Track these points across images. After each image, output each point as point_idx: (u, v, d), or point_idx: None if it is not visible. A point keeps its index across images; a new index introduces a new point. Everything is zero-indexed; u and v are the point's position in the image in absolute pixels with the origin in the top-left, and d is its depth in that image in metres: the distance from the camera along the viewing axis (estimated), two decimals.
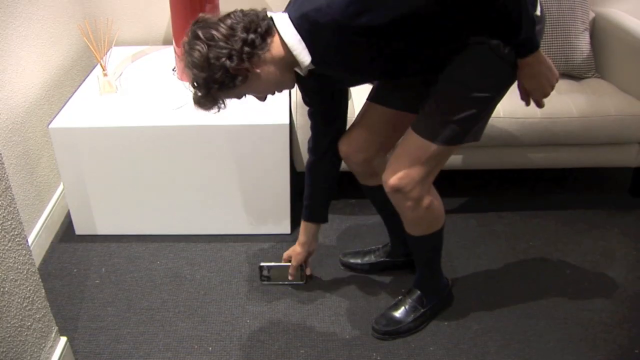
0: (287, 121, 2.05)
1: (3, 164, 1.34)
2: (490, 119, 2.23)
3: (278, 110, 2.11)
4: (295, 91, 2.15)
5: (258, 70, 1.42)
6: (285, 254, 2.00)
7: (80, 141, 2.07)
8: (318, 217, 1.92)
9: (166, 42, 2.78)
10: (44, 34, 2.25)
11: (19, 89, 2.06)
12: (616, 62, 2.54)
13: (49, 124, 2.06)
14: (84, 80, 2.42)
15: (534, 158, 2.38)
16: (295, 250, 1.97)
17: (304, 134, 2.23)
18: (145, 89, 2.29)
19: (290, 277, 2.01)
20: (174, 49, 2.30)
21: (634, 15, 2.82)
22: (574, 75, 2.56)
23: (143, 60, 2.55)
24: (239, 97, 1.51)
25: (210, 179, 2.14)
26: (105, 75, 2.27)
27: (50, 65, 2.30)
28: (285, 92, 2.24)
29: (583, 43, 2.51)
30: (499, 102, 1.60)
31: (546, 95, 1.52)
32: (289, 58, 1.43)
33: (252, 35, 1.38)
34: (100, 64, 2.26)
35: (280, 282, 2.04)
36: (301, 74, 1.50)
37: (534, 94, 1.53)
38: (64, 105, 2.19)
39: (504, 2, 1.33)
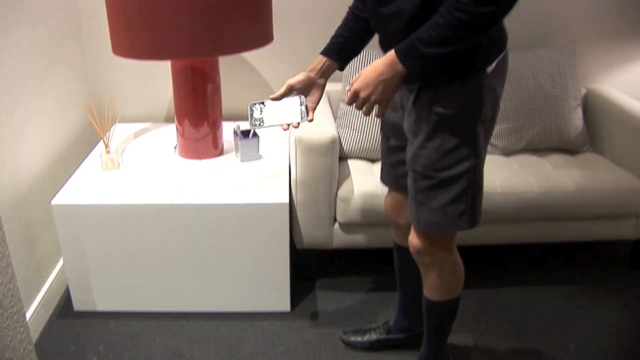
0: (287, 200, 2.07)
1: (5, 240, 1.35)
2: (488, 194, 2.27)
3: (278, 189, 2.14)
4: (295, 169, 2.18)
5: None
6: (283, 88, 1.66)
7: (82, 217, 2.08)
8: (333, 53, 1.67)
9: (168, 120, 2.84)
10: (51, 112, 2.31)
11: (23, 165, 2.09)
12: (609, 137, 2.59)
13: (52, 200, 2.08)
14: (87, 156, 2.46)
15: (532, 233, 2.40)
16: (296, 77, 1.67)
17: (303, 211, 2.25)
18: (147, 166, 2.33)
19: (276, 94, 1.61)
20: (176, 126, 2.35)
21: (624, 91, 2.91)
22: (569, 149, 2.60)
23: (145, 137, 2.60)
24: None
25: (210, 256, 2.15)
26: (108, 152, 2.30)
27: (54, 141, 2.35)
28: (285, 170, 2.28)
29: (576, 118, 2.57)
30: (482, 164, 1.56)
31: (358, 101, 1.43)
32: None
33: None
34: (104, 141, 2.30)
35: (276, 124, 1.61)
36: None
37: (355, 91, 1.43)
38: (66, 182, 2.22)
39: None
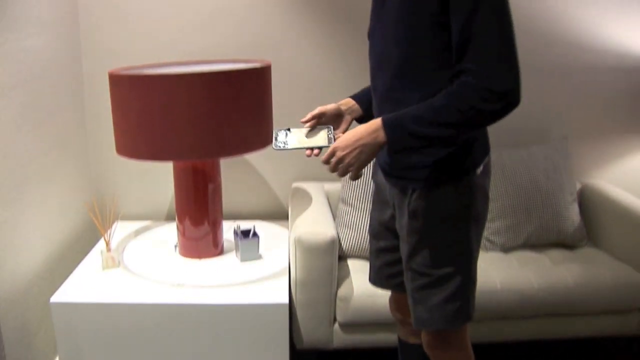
0: (287, 300, 2.06)
1: (1, 338, 1.34)
2: (488, 292, 2.26)
3: (277, 289, 2.14)
4: (295, 269, 2.19)
5: None
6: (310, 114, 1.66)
7: (80, 316, 2.07)
8: (358, 98, 1.72)
9: (169, 218, 2.87)
10: (53, 210, 2.34)
11: (23, 261, 2.10)
12: (607, 231, 2.61)
13: (50, 298, 2.07)
14: (87, 254, 2.47)
15: (534, 329, 2.37)
16: (328, 105, 1.69)
17: (303, 311, 2.24)
18: (147, 264, 2.33)
19: (306, 125, 1.61)
20: (177, 225, 2.37)
21: (618, 185, 2.95)
22: (567, 245, 2.61)
23: (146, 236, 2.62)
24: None
25: (209, 356, 2.12)
26: (108, 250, 2.31)
27: (55, 238, 2.36)
28: (285, 270, 2.28)
29: (573, 214, 2.59)
30: (476, 259, 1.59)
31: (333, 160, 1.44)
32: None
33: None
34: (105, 239, 2.32)
35: (300, 147, 1.58)
36: None
37: (333, 151, 1.45)
38: (65, 280, 2.22)
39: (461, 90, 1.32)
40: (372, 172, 1.83)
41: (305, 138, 1.59)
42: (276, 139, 1.59)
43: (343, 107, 1.70)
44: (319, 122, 1.63)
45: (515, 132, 2.83)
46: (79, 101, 2.62)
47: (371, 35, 1.60)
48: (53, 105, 2.34)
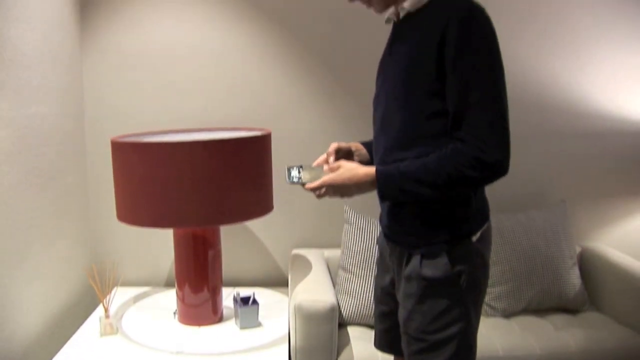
0: None
1: None
2: (489, 358, 2.23)
3: (277, 357, 2.11)
4: (295, 336, 2.17)
5: None
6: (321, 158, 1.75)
7: None
8: (367, 146, 1.82)
9: (168, 284, 2.86)
10: (52, 274, 2.34)
11: (21, 326, 2.08)
12: (609, 295, 2.59)
13: None
14: (85, 320, 2.45)
15: None
16: (342, 143, 1.78)
17: None
18: (146, 332, 2.31)
19: (325, 168, 1.62)
20: (176, 291, 2.36)
21: (617, 248, 2.96)
22: (569, 309, 2.59)
23: (145, 302, 2.61)
24: None
25: None
26: (107, 317, 2.30)
27: (54, 304, 2.35)
28: (284, 338, 2.26)
29: (574, 277, 2.59)
30: (474, 326, 1.57)
31: (319, 194, 1.56)
32: None
33: None
34: (103, 305, 2.31)
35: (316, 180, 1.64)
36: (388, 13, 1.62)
37: (324, 184, 1.54)
38: (63, 346, 2.19)
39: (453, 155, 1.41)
40: (377, 237, 1.85)
41: (318, 173, 1.63)
42: (289, 174, 1.65)
43: (353, 148, 1.79)
44: (336, 158, 1.72)
45: (513, 197, 2.85)
46: (81, 167, 2.66)
47: (375, 101, 1.68)
48: (56, 170, 2.37)
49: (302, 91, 2.75)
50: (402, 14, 1.58)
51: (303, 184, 1.60)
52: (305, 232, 2.83)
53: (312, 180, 1.61)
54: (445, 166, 1.41)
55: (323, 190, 1.56)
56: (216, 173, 2.03)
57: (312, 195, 2.78)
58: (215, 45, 2.71)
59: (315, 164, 1.72)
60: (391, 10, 1.62)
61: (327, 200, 2.76)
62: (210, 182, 2.03)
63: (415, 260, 1.54)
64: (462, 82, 1.40)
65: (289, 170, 1.67)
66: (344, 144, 1.76)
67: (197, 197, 2.03)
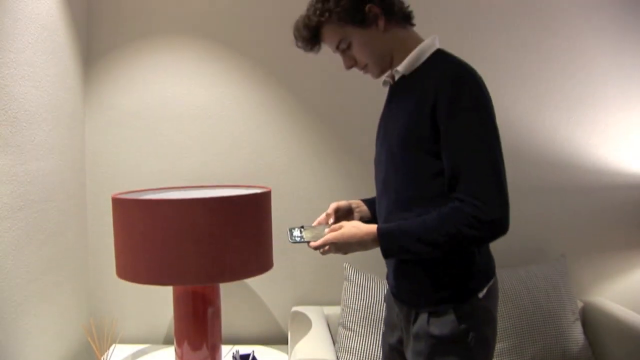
0: None
1: None
2: None
3: None
4: None
5: (381, 25, 1.59)
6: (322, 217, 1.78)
7: None
8: (367, 203, 1.84)
9: (167, 341, 2.82)
10: (49, 331, 2.31)
11: None
12: (612, 350, 2.56)
13: None
14: None
15: None
16: (341, 201, 1.81)
17: None
18: None
19: (327, 230, 1.62)
20: (175, 349, 2.33)
21: (619, 302, 2.93)
22: None
23: None
24: (337, 44, 1.64)
25: None
26: None
27: None
28: None
29: (576, 333, 2.56)
30: None
31: (326, 250, 1.58)
32: (401, 50, 1.62)
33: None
34: None
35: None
36: (385, 76, 1.69)
37: (327, 242, 1.57)
38: None
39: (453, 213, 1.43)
40: (385, 295, 1.86)
41: (319, 232, 1.66)
42: (291, 234, 1.68)
43: (353, 205, 1.81)
44: (335, 217, 1.75)
45: (513, 252, 2.85)
46: (81, 223, 2.66)
47: (376, 162, 1.72)
48: (56, 226, 2.37)
49: (302, 148, 2.78)
50: (396, 77, 1.65)
51: (307, 242, 1.63)
52: (305, 289, 2.82)
53: (315, 238, 1.63)
54: (445, 225, 1.43)
55: (327, 247, 1.58)
56: (216, 231, 2.04)
57: (311, 252, 2.78)
58: (215, 102, 2.76)
59: (315, 223, 1.75)
60: (387, 73, 1.69)
61: (326, 257, 2.76)
62: (210, 239, 2.03)
63: (423, 318, 1.55)
64: (456, 142, 1.44)
65: (290, 231, 1.70)
66: (343, 203, 1.78)
67: (196, 254, 2.02)
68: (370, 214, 1.82)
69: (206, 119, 2.76)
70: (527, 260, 2.85)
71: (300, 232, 1.69)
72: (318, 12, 1.60)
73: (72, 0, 2.54)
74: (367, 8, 1.58)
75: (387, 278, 1.75)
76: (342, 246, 1.57)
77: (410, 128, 1.52)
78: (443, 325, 1.52)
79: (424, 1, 2.77)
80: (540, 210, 2.87)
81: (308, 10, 1.65)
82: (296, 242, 1.66)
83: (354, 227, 1.56)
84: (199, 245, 2.02)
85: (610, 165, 2.88)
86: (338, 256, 2.74)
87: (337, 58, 2.73)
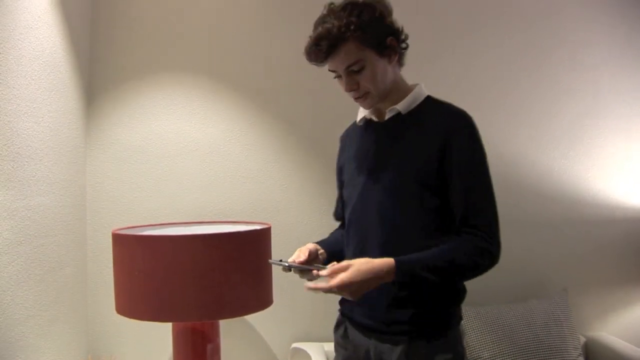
0: None
1: None
2: None
3: None
4: None
5: (393, 59, 1.67)
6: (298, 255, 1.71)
7: None
8: (324, 245, 1.84)
9: None
10: None
11: None
12: None
13: None
14: None
15: None
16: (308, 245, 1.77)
17: None
18: None
19: (325, 272, 1.57)
20: None
21: (621, 337, 2.91)
22: None
23: None
24: (351, 64, 1.63)
25: None
26: None
27: None
28: None
29: None
30: None
31: (331, 289, 1.52)
32: (395, 88, 1.72)
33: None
34: None
35: (302, 267, 1.66)
36: (367, 112, 1.78)
37: (342, 285, 1.50)
38: None
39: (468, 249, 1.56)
40: (340, 337, 1.84)
41: (309, 274, 1.63)
42: (274, 262, 1.68)
43: (312, 248, 1.76)
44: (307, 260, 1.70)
45: (513, 287, 2.84)
46: (81, 258, 2.65)
47: (359, 193, 1.75)
48: (56, 262, 2.37)
49: (301, 185, 2.80)
50: (389, 115, 1.71)
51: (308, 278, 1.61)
52: (305, 325, 2.79)
53: (307, 278, 1.62)
54: (461, 256, 1.56)
55: (334, 291, 1.53)
56: (216, 267, 2.03)
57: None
58: (216, 139, 2.78)
59: (296, 260, 1.68)
60: (371, 109, 1.75)
61: (323, 296, 2.74)
62: (209, 276, 2.03)
63: (419, 345, 1.61)
64: (470, 184, 1.60)
65: (271, 262, 1.70)
66: (312, 248, 1.75)
67: (196, 291, 2.02)
68: (327, 256, 1.81)
69: (206, 155, 2.77)
70: (527, 295, 2.84)
71: (281, 261, 1.67)
72: (350, 26, 1.59)
73: (75, 37, 2.57)
74: (388, 39, 1.64)
75: (358, 316, 1.73)
76: (360, 286, 1.51)
77: (418, 164, 1.63)
78: (445, 348, 1.62)
79: (413, 46, 2.81)
80: (540, 244, 2.87)
81: (334, 19, 1.60)
82: (279, 263, 1.66)
83: (367, 263, 1.53)
84: (199, 282, 2.01)
85: (610, 198, 2.89)
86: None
87: (340, 98, 2.76)
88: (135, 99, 2.77)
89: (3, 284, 1.97)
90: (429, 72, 2.78)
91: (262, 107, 2.80)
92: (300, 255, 1.69)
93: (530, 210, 2.86)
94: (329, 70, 1.71)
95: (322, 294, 1.63)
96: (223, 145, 2.78)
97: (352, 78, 1.67)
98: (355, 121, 1.85)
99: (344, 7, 1.62)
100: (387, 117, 1.72)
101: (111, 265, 2.72)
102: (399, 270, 1.53)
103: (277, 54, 2.81)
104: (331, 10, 1.64)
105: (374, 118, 1.76)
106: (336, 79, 1.73)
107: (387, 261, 1.54)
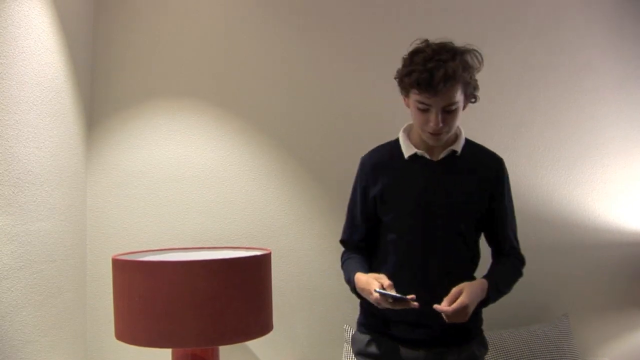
0: None
1: None
2: None
3: None
4: None
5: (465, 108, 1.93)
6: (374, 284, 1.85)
7: None
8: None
9: None
10: None
11: None
12: None
13: None
14: None
15: None
16: (375, 277, 1.89)
17: None
18: None
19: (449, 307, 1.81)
20: None
21: None
22: None
23: None
24: (453, 102, 1.82)
25: None
26: None
27: None
28: None
29: None
30: None
31: (450, 313, 1.78)
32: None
33: None
34: None
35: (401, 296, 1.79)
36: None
37: (456, 308, 1.77)
38: None
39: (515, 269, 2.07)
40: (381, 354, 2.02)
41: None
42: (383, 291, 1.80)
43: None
44: None
45: (514, 312, 2.81)
46: (81, 283, 2.65)
47: (419, 227, 1.96)
48: (55, 287, 2.36)
49: (302, 210, 2.80)
50: (444, 154, 1.96)
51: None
52: (305, 351, 2.77)
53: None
54: (517, 271, 2.07)
55: (462, 310, 1.80)
56: (216, 293, 2.03)
57: (311, 313, 2.76)
58: (216, 165, 2.79)
59: (387, 289, 1.82)
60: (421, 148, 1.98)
61: (326, 319, 2.75)
62: (210, 302, 2.02)
63: (469, 348, 1.99)
64: (511, 221, 2.07)
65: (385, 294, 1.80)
66: (377, 275, 1.89)
67: (196, 317, 2.01)
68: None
69: (207, 181, 2.78)
70: (528, 320, 2.81)
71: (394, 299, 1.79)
72: (463, 70, 1.79)
73: (77, 63, 2.59)
74: (475, 92, 1.91)
75: (403, 333, 1.98)
76: (472, 306, 1.83)
77: (473, 203, 1.96)
78: (483, 343, 2.08)
79: None
80: (541, 269, 2.85)
81: (450, 59, 1.77)
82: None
83: (472, 285, 1.85)
84: (199, 308, 2.01)
85: (610, 222, 2.88)
86: (337, 318, 2.72)
87: (341, 123, 2.78)
88: (136, 124, 2.78)
89: (2, 309, 1.96)
90: None
91: (262, 132, 2.81)
92: (386, 283, 1.83)
93: (531, 235, 2.84)
94: (421, 102, 1.82)
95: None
96: (223, 171, 2.79)
97: (444, 116, 1.83)
98: (385, 151, 2.06)
99: (455, 50, 1.81)
100: (442, 155, 1.97)
101: (111, 290, 2.71)
102: (492, 288, 1.90)
103: (277, 79, 2.83)
104: (444, 48, 1.80)
105: (427, 155, 1.97)
106: (420, 110, 1.85)
107: (482, 282, 1.90)
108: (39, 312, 2.22)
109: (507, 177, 2.05)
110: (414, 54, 1.83)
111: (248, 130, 2.81)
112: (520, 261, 2.08)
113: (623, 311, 2.89)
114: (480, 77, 2.58)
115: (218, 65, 2.83)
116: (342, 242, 2.17)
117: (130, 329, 2.08)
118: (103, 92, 2.79)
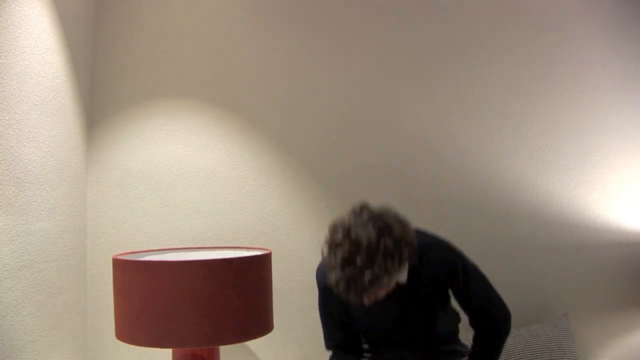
0: None
1: None
2: None
3: None
4: None
5: None
6: None
7: None
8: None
9: None
10: None
11: None
12: None
13: None
14: None
15: None
16: None
17: None
18: None
19: None
20: None
21: None
22: None
23: None
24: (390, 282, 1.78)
25: None
26: None
27: None
28: None
29: None
30: None
31: None
32: None
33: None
34: None
35: None
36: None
37: None
38: None
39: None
40: None
41: None
42: None
43: None
44: None
45: (515, 312, 2.78)
46: (81, 283, 2.65)
47: (392, 328, 2.08)
48: (56, 287, 2.36)
49: (302, 210, 2.80)
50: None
51: None
52: (305, 351, 2.77)
53: None
54: (499, 343, 2.11)
55: None
56: (216, 293, 2.03)
57: (312, 313, 2.73)
58: (216, 164, 2.79)
59: None
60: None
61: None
62: (210, 302, 2.02)
63: None
64: (474, 285, 2.07)
65: None
66: None
67: (196, 317, 2.01)
68: None
69: (207, 181, 2.78)
70: (528, 320, 2.81)
71: None
72: (388, 270, 1.72)
73: (77, 63, 2.60)
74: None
75: None
76: None
77: (436, 292, 2.06)
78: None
79: (419, 57, 2.83)
80: (541, 269, 2.85)
81: (366, 265, 1.71)
82: None
83: None
84: (199, 308, 2.01)
85: (611, 222, 2.88)
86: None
87: (342, 125, 2.78)
88: (136, 124, 2.78)
89: (3, 309, 1.96)
90: (433, 83, 2.79)
91: (262, 132, 2.81)
92: None
93: (530, 236, 2.85)
94: None
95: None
96: (224, 171, 2.79)
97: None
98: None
99: (372, 253, 1.75)
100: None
101: (111, 290, 2.71)
102: None
103: (277, 79, 2.83)
104: (356, 254, 1.74)
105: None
106: None
107: None
108: (39, 312, 2.22)
109: (462, 262, 2.04)
110: (333, 247, 1.81)
111: (248, 130, 2.81)
112: (497, 334, 2.10)
113: (623, 311, 2.89)
114: (481, 76, 2.59)
115: (218, 65, 2.83)
116: (329, 348, 2.17)
117: (130, 329, 2.07)
118: (103, 92, 2.79)
